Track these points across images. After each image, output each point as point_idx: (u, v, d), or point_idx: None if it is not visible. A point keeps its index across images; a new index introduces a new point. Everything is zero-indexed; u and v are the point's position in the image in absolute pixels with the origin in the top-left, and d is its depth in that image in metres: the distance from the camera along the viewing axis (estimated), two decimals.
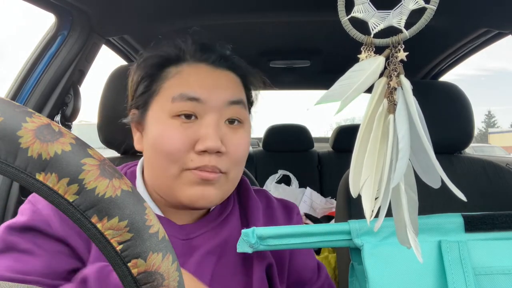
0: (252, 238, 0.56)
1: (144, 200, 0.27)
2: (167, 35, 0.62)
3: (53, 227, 0.51)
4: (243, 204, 0.65)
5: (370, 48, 0.36)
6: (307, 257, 0.67)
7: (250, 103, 0.65)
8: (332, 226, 0.60)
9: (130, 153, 0.99)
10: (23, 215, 0.52)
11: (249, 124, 0.61)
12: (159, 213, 0.59)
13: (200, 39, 0.61)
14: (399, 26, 0.35)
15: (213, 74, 0.58)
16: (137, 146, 0.61)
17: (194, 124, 0.54)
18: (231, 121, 0.57)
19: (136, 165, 0.64)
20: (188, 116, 0.54)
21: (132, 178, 0.62)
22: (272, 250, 0.61)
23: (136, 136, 0.61)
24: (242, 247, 0.57)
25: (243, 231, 0.57)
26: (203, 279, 0.55)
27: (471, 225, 0.58)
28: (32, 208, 0.53)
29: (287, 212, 0.68)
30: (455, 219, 0.59)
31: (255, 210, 0.63)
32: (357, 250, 0.60)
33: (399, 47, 0.35)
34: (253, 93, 0.65)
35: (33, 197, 0.55)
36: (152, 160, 0.56)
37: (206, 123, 0.54)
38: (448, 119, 1.02)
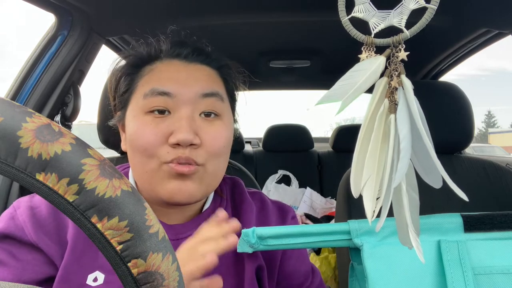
0: (252, 238, 0.56)
1: (144, 200, 0.27)
2: (168, 36, 0.63)
3: (27, 234, 0.52)
4: (237, 206, 0.64)
5: (371, 48, 0.36)
6: (299, 262, 0.66)
7: (232, 97, 0.64)
8: (331, 226, 0.60)
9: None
10: (1, 221, 0.53)
11: (230, 118, 0.60)
12: None
13: (174, 37, 0.61)
14: (400, 26, 0.35)
15: (186, 68, 0.58)
16: (123, 147, 0.61)
17: (167, 118, 0.54)
18: (207, 114, 0.56)
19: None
20: (161, 112, 0.54)
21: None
22: (263, 253, 0.61)
23: (122, 137, 0.62)
24: (242, 247, 0.56)
25: (243, 231, 0.57)
26: None
27: (470, 225, 0.58)
28: (11, 214, 0.54)
29: (282, 215, 0.67)
30: (455, 219, 0.59)
31: (248, 213, 0.63)
32: (356, 250, 0.60)
33: (400, 46, 0.35)
34: (235, 85, 0.64)
35: (17, 202, 0.56)
36: (131, 158, 0.57)
37: (178, 116, 0.54)
38: (448, 119, 1.02)
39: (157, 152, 0.53)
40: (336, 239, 0.59)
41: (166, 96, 0.54)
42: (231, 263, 0.59)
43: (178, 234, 0.58)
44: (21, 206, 0.55)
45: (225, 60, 0.63)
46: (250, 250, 0.57)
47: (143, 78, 0.57)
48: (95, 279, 0.52)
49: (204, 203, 0.63)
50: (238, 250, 0.57)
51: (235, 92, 0.65)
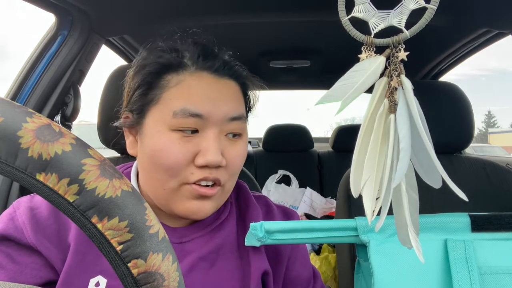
0: (260, 232, 0.56)
1: (145, 200, 0.27)
2: (168, 36, 0.60)
3: (26, 235, 0.51)
4: (242, 210, 0.64)
5: (371, 48, 0.36)
6: (302, 266, 0.65)
7: (248, 108, 0.63)
8: (339, 222, 0.60)
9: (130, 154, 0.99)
10: (0, 222, 0.53)
11: (247, 134, 0.59)
12: None
13: (200, 42, 0.58)
14: (400, 26, 0.35)
15: (216, 85, 0.55)
16: (130, 150, 0.59)
17: (194, 137, 0.52)
18: (232, 134, 0.56)
19: (131, 166, 0.64)
20: (192, 130, 0.53)
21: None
22: (269, 257, 0.61)
23: (129, 140, 0.59)
24: (250, 240, 0.57)
25: (251, 224, 0.57)
26: (193, 286, 0.54)
27: (478, 225, 0.58)
28: (10, 215, 0.53)
29: (287, 219, 0.67)
30: (462, 219, 0.59)
31: (254, 217, 0.62)
32: (363, 247, 0.60)
33: (400, 47, 0.35)
34: (251, 97, 0.64)
35: (17, 202, 0.55)
36: (150, 171, 0.55)
37: (207, 137, 0.52)
38: (448, 119, 1.02)
39: (182, 173, 0.52)
40: (343, 235, 0.60)
41: (198, 118, 0.52)
42: (236, 267, 0.58)
43: (181, 238, 0.57)
44: (21, 206, 0.54)
45: (246, 75, 0.61)
46: (258, 244, 0.57)
47: (170, 90, 0.53)
48: (97, 284, 0.52)
49: None
50: (246, 244, 0.57)
51: (251, 106, 0.64)
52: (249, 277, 0.57)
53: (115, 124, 0.61)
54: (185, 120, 0.51)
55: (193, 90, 0.53)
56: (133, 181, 0.61)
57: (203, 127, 0.53)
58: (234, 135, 0.56)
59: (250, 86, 0.62)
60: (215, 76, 0.56)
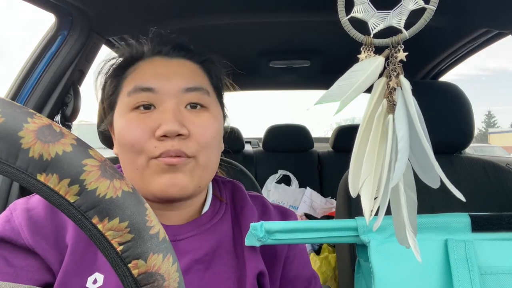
0: (260, 232, 0.56)
1: (145, 201, 0.27)
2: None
3: (23, 237, 0.51)
4: (237, 211, 0.64)
5: (370, 48, 0.36)
6: (302, 266, 0.65)
7: (218, 92, 0.64)
8: (339, 222, 0.60)
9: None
10: None
11: (217, 111, 0.60)
12: None
13: (156, 37, 0.62)
14: (399, 26, 0.35)
15: (167, 64, 0.58)
16: (114, 151, 0.62)
17: (152, 113, 0.54)
18: (193, 106, 0.56)
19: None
20: (146, 107, 0.55)
21: None
22: (265, 258, 0.61)
23: (114, 141, 0.62)
24: (250, 240, 0.57)
25: (252, 224, 0.57)
26: (189, 283, 0.54)
27: (478, 225, 0.58)
28: (7, 217, 0.53)
29: (284, 219, 0.67)
30: (462, 219, 0.59)
31: (249, 218, 0.62)
32: (363, 247, 0.60)
33: (399, 47, 0.35)
34: (217, 77, 0.64)
35: (14, 204, 0.55)
36: (121, 157, 0.57)
37: (163, 109, 0.54)
38: (448, 119, 1.02)
39: (145, 147, 0.53)
40: (343, 235, 0.59)
41: (149, 92, 0.54)
42: (232, 268, 0.58)
43: (176, 235, 0.57)
44: (17, 208, 0.54)
45: (207, 54, 0.63)
46: (258, 244, 0.57)
47: (127, 78, 0.58)
48: (95, 281, 0.52)
49: (203, 205, 0.62)
50: (246, 244, 0.57)
51: (220, 86, 0.65)
52: (244, 278, 0.57)
53: (100, 128, 0.65)
54: (138, 96, 0.54)
55: (144, 71, 0.57)
56: None
57: (159, 102, 0.55)
58: (196, 106, 0.56)
59: (212, 66, 0.63)
60: (167, 58, 0.59)
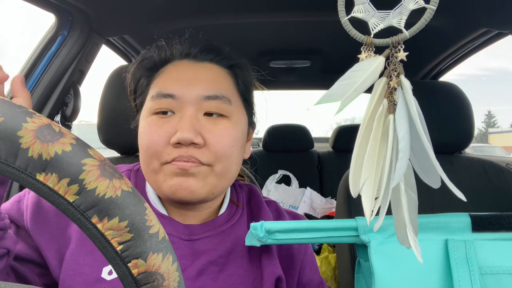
0: (260, 232, 0.56)
1: (145, 200, 0.27)
2: (168, 36, 0.63)
3: (24, 219, 0.54)
4: (254, 214, 0.64)
5: (370, 48, 0.36)
6: (313, 271, 0.66)
7: (245, 98, 0.62)
8: (339, 222, 0.60)
9: (130, 153, 0.99)
10: (9, 202, 0.56)
11: (239, 118, 0.58)
12: (164, 212, 0.59)
13: (188, 39, 0.62)
14: (399, 26, 0.35)
15: (193, 68, 0.58)
16: None
17: (171, 118, 0.55)
18: (210, 114, 0.56)
19: None
20: (164, 112, 0.55)
21: (136, 176, 0.63)
22: (282, 263, 0.61)
23: None
24: (251, 240, 0.57)
25: (252, 224, 0.57)
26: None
27: (479, 225, 0.58)
28: (20, 197, 0.56)
29: None
30: (463, 219, 0.59)
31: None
32: (363, 247, 0.60)
33: (399, 47, 0.35)
34: (246, 82, 0.63)
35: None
36: (140, 157, 0.58)
37: (180, 116, 0.54)
38: (448, 119, 1.02)
39: (159, 153, 0.53)
40: (343, 235, 0.59)
41: (170, 98, 0.55)
42: (246, 272, 0.58)
43: (191, 235, 0.57)
44: (32, 191, 0.55)
45: (236, 59, 0.62)
46: (258, 244, 0.57)
47: (154, 81, 0.59)
48: (110, 272, 0.52)
49: (220, 207, 0.63)
50: (246, 244, 0.57)
51: (248, 92, 0.63)
52: (260, 283, 0.57)
53: (132, 126, 0.65)
54: (159, 102, 0.55)
55: (170, 75, 0.58)
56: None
57: (179, 108, 0.55)
58: (214, 114, 0.56)
59: (239, 71, 0.62)
60: (193, 61, 0.59)
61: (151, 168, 0.55)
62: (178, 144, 0.52)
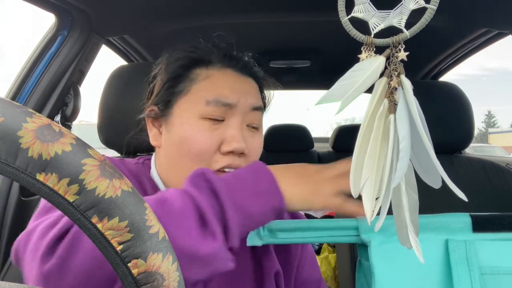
0: (262, 230, 0.56)
1: (145, 200, 0.27)
2: (192, 36, 0.65)
3: None
4: None
5: (371, 48, 0.36)
6: (312, 269, 0.67)
7: (263, 106, 0.67)
8: (340, 221, 0.60)
9: (130, 153, 0.99)
10: None
11: (262, 129, 0.64)
12: None
13: (223, 43, 0.65)
14: (400, 26, 0.35)
15: (240, 80, 0.60)
16: (154, 142, 0.62)
17: (220, 126, 0.56)
18: (252, 126, 0.60)
19: (150, 159, 0.66)
20: (218, 119, 0.56)
21: (146, 169, 0.63)
22: (280, 259, 0.61)
23: (152, 132, 0.62)
24: (252, 240, 0.57)
25: None
26: (209, 284, 0.55)
27: (479, 225, 0.58)
28: None
29: None
30: (463, 219, 0.59)
31: None
32: (364, 247, 0.60)
33: (400, 47, 0.35)
34: (267, 97, 0.68)
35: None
36: (176, 159, 0.57)
37: (232, 125, 0.56)
38: (448, 119, 1.02)
39: (207, 160, 0.55)
40: (344, 235, 0.60)
41: (228, 107, 0.56)
42: (249, 268, 0.59)
43: None
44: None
45: (264, 75, 0.67)
46: (260, 243, 0.57)
47: (200, 82, 0.58)
48: None
49: None
50: (248, 244, 0.57)
51: (265, 104, 0.68)
52: (261, 278, 0.58)
53: (140, 116, 0.64)
54: (216, 109, 0.56)
55: (222, 83, 0.58)
56: (154, 169, 0.62)
57: (229, 116, 0.57)
58: (253, 127, 0.60)
59: (265, 85, 0.67)
60: (238, 73, 0.61)
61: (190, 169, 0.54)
62: (229, 152, 0.54)
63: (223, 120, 0.56)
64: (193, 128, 0.55)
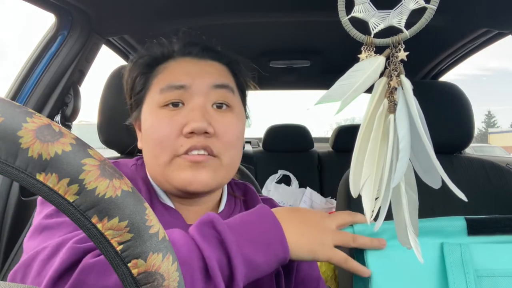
0: None
1: (145, 200, 0.27)
2: (163, 36, 0.65)
3: None
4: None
5: (371, 48, 0.36)
6: (311, 267, 0.66)
7: (242, 92, 0.66)
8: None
9: (130, 153, 0.99)
10: None
11: (241, 111, 0.62)
12: (171, 204, 0.59)
13: (185, 37, 0.64)
14: (400, 26, 0.35)
15: (197, 63, 0.60)
16: (139, 144, 0.63)
17: (181, 110, 0.56)
18: (219, 106, 0.58)
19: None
20: (175, 104, 0.56)
21: (144, 169, 0.63)
22: None
23: (139, 136, 0.64)
24: None
25: None
26: None
27: (474, 228, 0.58)
28: None
29: None
30: (458, 222, 0.59)
31: None
32: (361, 251, 0.60)
33: (400, 47, 0.35)
34: (243, 79, 0.66)
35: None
36: (146, 152, 0.59)
37: (191, 107, 0.56)
38: (448, 119, 1.02)
39: (172, 145, 0.54)
40: None
41: (181, 89, 0.56)
42: None
43: None
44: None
45: (234, 56, 0.65)
46: None
47: (157, 76, 0.60)
48: None
49: (219, 203, 0.64)
50: None
51: (244, 87, 0.67)
52: (262, 278, 0.57)
53: (127, 122, 0.66)
54: (170, 93, 0.56)
55: (177, 70, 0.59)
56: (147, 172, 0.63)
57: (188, 99, 0.57)
58: (222, 106, 0.58)
59: (238, 67, 0.65)
60: (197, 59, 0.61)
61: (160, 161, 0.55)
62: (191, 134, 0.54)
63: (184, 105, 0.56)
64: (153, 118, 0.56)
